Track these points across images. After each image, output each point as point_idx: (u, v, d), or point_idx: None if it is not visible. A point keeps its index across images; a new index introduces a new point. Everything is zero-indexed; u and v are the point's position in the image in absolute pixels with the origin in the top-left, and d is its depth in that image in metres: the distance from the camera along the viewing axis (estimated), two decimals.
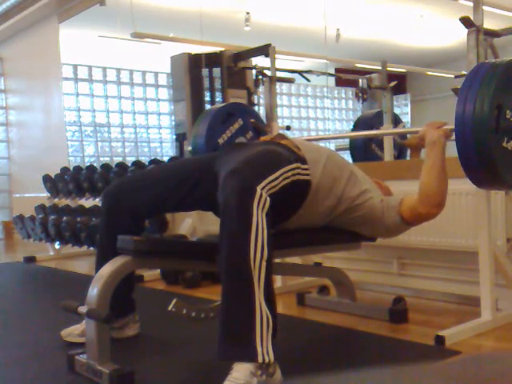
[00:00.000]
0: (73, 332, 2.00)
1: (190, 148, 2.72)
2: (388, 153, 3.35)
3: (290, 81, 3.19)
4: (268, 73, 2.91)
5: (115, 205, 1.96)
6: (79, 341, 1.91)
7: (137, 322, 2.12)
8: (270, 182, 1.58)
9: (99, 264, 1.95)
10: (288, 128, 2.93)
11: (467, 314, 2.17)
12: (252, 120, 2.72)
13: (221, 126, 2.67)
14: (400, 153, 3.68)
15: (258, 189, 1.51)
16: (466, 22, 1.93)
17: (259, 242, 1.46)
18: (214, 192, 1.65)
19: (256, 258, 1.45)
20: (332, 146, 7.51)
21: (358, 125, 4.22)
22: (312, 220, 1.91)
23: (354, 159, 3.77)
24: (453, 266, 2.49)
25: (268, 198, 1.52)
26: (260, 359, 1.42)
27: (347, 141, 4.04)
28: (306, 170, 1.80)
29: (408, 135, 3.55)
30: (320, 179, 1.83)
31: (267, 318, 1.45)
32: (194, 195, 1.93)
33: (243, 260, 1.45)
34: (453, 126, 1.74)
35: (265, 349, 1.43)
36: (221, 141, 2.66)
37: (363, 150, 3.65)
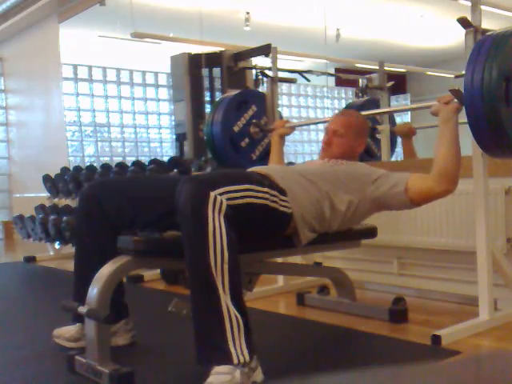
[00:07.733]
0: (63, 334, 1.93)
1: (205, 137, 2.74)
2: (385, 148, 3.32)
3: (291, 81, 3.18)
4: (269, 73, 2.90)
5: (92, 209, 1.87)
6: (67, 345, 1.88)
7: (129, 330, 1.98)
8: (228, 192, 1.55)
9: (79, 265, 1.90)
10: None
11: (467, 313, 2.17)
12: None
13: (235, 114, 2.69)
14: (391, 138, 3.60)
15: (212, 193, 1.50)
16: (463, 22, 1.93)
17: (218, 245, 1.47)
18: None
19: (217, 262, 1.46)
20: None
21: None
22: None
23: None
24: (453, 265, 2.48)
25: (225, 202, 1.51)
26: (235, 360, 1.44)
27: None
28: (286, 201, 1.78)
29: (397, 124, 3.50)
30: (302, 208, 1.82)
31: (236, 319, 1.46)
32: (168, 219, 1.82)
33: (204, 267, 1.46)
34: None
35: (238, 350, 1.45)
36: (236, 128, 2.67)
37: None
